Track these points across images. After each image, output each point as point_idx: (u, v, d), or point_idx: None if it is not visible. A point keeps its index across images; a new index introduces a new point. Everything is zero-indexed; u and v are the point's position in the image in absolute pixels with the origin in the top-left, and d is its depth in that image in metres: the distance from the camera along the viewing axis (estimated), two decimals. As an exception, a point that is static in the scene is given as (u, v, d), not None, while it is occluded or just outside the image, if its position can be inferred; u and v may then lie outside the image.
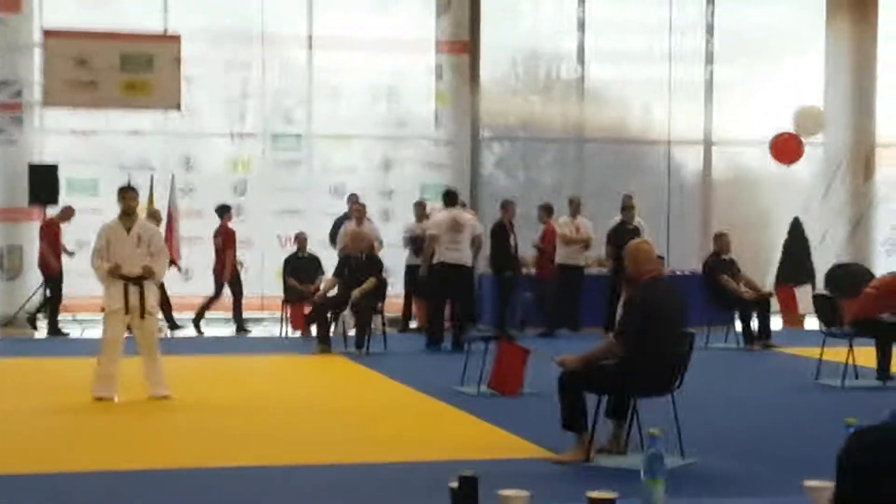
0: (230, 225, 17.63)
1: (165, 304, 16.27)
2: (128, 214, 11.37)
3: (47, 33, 17.84)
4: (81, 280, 17.01)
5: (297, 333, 16.94)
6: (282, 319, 17.46)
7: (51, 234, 17.04)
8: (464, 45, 19.65)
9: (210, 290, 17.66)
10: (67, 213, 17.33)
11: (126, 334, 11.37)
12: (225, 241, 17.49)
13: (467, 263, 15.58)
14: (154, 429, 10.06)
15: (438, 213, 16.07)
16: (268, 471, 8.10)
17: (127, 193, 11.51)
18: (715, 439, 9.16)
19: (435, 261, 15.42)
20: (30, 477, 7.98)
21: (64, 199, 17.66)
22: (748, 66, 20.72)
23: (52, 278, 17.03)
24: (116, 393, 11.08)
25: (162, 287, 13.60)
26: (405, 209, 18.63)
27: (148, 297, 11.22)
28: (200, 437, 9.55)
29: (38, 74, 18.08)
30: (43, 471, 8.14)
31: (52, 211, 17.39)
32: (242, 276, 17.93)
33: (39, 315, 17.49)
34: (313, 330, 15.41)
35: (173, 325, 17.34)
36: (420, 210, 17.73)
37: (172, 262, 15.20)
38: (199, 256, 18.29)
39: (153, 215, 16.07)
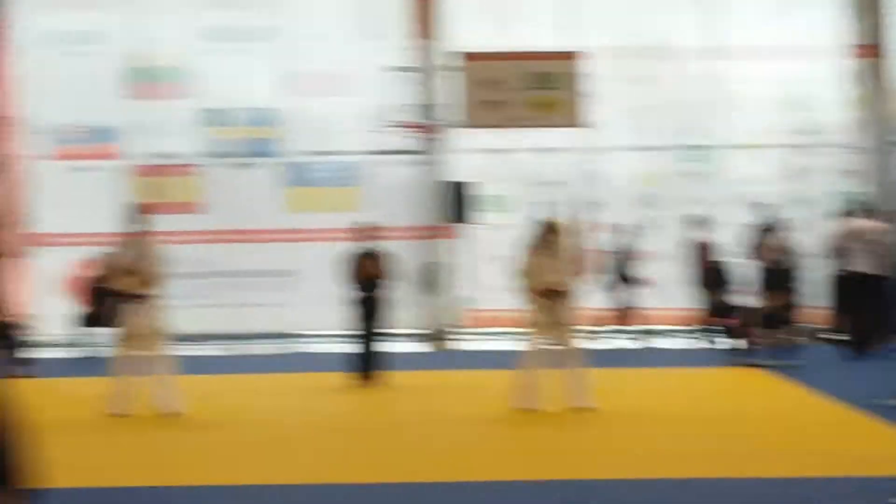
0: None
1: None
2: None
3: (461, 57, 18.50)
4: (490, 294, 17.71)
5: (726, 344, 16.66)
6: (704, 331, 17.25)
7: None
8: (873, 50, 18.99)
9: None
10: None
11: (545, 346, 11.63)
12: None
13: (875, 272, 15.08)
14: (577, 439, 10.26)
15: (847, 222, 15.65)
16: (702, 483, 8.10)
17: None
18: None
19: (844, 270, 15.03)
20: (470, 484, 8.31)
21: (478, 215, 18.29)
22: None
23: None
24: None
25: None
26: (815, 219, 18.17)
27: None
28: (618, 448, 9.66)
29: (452, 96, 18.76)
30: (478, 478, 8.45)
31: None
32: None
33: None
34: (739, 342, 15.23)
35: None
36: (836, 219, 17.23)
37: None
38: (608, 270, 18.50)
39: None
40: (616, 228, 18.14)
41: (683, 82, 19.35)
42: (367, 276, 12.75)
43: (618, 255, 17.93)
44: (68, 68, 18.93)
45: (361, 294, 12.71)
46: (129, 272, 11.37)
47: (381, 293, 12.78)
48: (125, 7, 18.96)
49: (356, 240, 12.96)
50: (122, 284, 11.49)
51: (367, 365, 12.85)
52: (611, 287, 17.82)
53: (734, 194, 19.03)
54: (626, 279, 17.82)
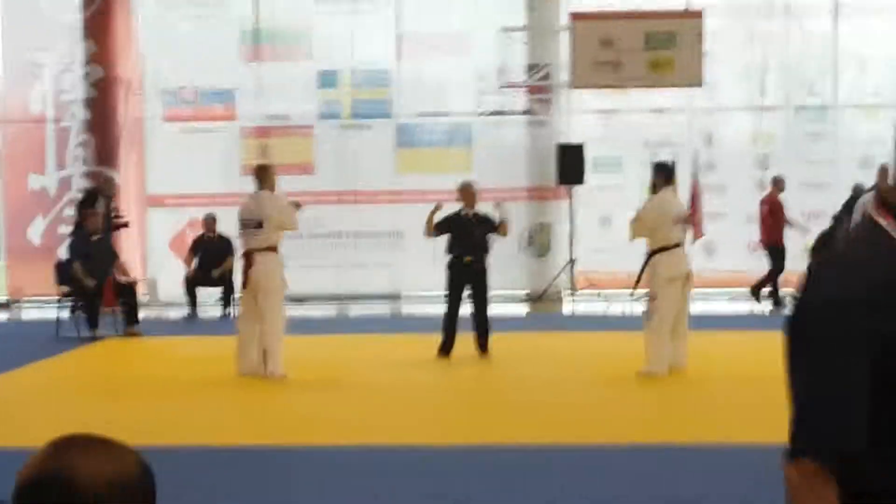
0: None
1: None
2: None
3: (575, 16, 18.34)
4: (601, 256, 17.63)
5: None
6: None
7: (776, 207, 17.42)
8: None
9: (745, 263, 17.66)
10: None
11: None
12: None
13: None
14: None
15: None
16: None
17: None
18: None
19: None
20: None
21: (590, 177, 18.17)
22: None
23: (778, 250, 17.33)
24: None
25: None
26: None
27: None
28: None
29: (565, 57, 18.62)
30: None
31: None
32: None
33: None
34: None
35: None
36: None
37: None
38: (721, 232, 18.28)
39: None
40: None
41: (802, 41, 18.97)
42: (466, 239, 12.57)
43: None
44: (186, 31, 19.14)
45: (464, 257, 12.53)
46: (255, 229, 11.39)
47: (484, 256, 12.63)
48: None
49: (459, 201, 12.80)
50: (246, 242, 11.55)
51: (477, 330, 12.70)
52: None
53: (852, 156, 18.64)
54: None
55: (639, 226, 11.50)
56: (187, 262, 17.35)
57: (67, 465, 2.07)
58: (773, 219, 17.28)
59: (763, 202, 17.52)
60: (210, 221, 17.43)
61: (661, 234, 11.39)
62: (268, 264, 11.37)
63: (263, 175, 11.71)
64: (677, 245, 11.46)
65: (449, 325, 12.50)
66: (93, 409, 9.77)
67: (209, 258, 17.16)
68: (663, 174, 11.71)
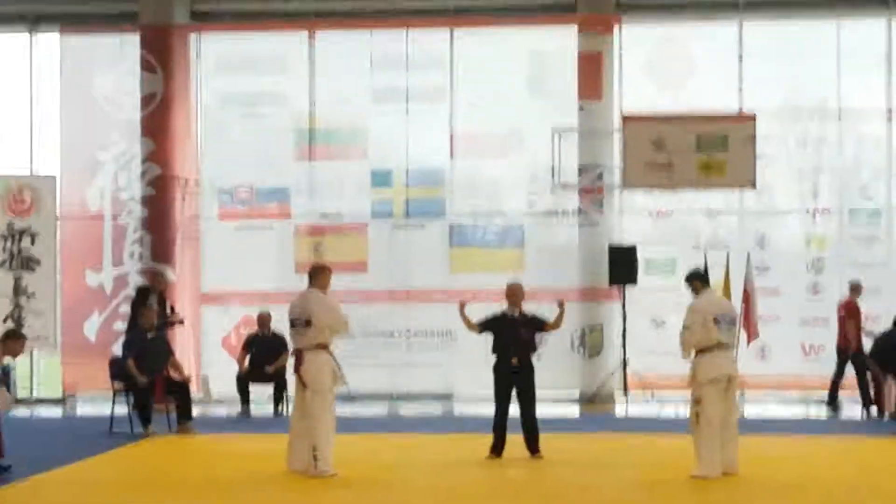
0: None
1: None
2: None
3: (626, 119, 18.44)
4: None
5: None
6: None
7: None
8: None
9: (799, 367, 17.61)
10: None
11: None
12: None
13: None
14: None
15: None
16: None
17: None
18: None
19: None
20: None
21: (642, 278, 18.17)
22: None
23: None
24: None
25: None
26: None
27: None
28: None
29: (617, 158, 18.69)
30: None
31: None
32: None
33: None
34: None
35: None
36: None
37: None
38: (774, 335, 18.21)
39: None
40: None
41: (854, 144, 18.97)
42: (511, 339, 12.52)
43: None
44: (242, 129, 19.42)
45: (510, 359, 12.48)
46: (303, 327, 11.44)
47: (530, 357, 12.58)
48: (302, 68, 19.39)
49: (506, 301, 12.77)
50: (295, 340, 11.60)
51: (525, 431, 12.61)
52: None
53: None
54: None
55: (689, 337, 11.40)
56: (240, 360, 17.44)
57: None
58: (850, 323, 17.21)
59: (840, 307, 17.45)
60: (264, 318, 17.54)
61: (701, 336, 11.34)
62: (316, 362, 11.37)
63: (316, 274, 11.78)
64: (719, 345, 11.35)
65: (498, 425, 12.44)
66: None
67: (262, 355, 17.24)
68: (697, 281, 11.70)
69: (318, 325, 11.37)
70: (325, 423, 11.35)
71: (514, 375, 12.43)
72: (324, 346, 11.44)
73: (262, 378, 17.20)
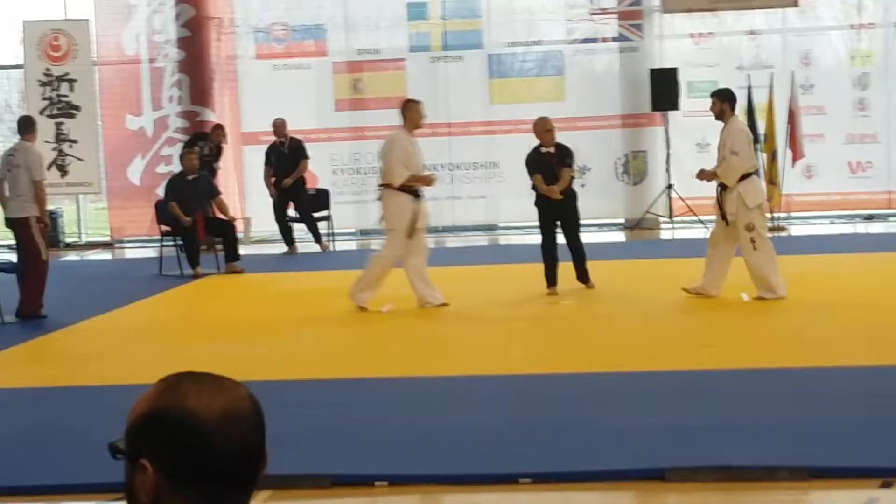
0: None
1: None
2: None
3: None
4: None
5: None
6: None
7: None
8: None
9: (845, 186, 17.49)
10: None
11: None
12: None
13: None
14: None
15: None
16: None
17: None
18: None
19: None
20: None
21: (685, 102, 17.95)
22: None
23: None
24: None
25: None
26: None
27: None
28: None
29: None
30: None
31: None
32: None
33: None
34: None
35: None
36: None
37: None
38: (821, 154, 18.02)
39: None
40: None
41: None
42: (549, 175, 12.41)
43: None
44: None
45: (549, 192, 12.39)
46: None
47: (571, 187, 12.49)
48: None
49: (537, 135, 12.61)
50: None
51: (574, 259, 12.60)
52: None
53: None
54: None
55: (741, 162, 11.27)
56: (266, 179, 17.40)
57: (181, 398, 2.11)
58: None
59: None
60: (278, 125, 17.41)
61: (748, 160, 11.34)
62: (384, 200, 11.81)
63: (402, 112, 12.21)
64: (755, 170, 11.45)
65: (548, 256, 12.41)
66: (198, 347, 9.92)
67: (282, 166, 17.24)
68: (729, 101, 11.51)
69: (387, 164, 11.73)
70: (383, 256, 11.69)
71: (556, 208, 12.37)
72: (388, 185, 11.57)
73: (302, 216, 17.28)
